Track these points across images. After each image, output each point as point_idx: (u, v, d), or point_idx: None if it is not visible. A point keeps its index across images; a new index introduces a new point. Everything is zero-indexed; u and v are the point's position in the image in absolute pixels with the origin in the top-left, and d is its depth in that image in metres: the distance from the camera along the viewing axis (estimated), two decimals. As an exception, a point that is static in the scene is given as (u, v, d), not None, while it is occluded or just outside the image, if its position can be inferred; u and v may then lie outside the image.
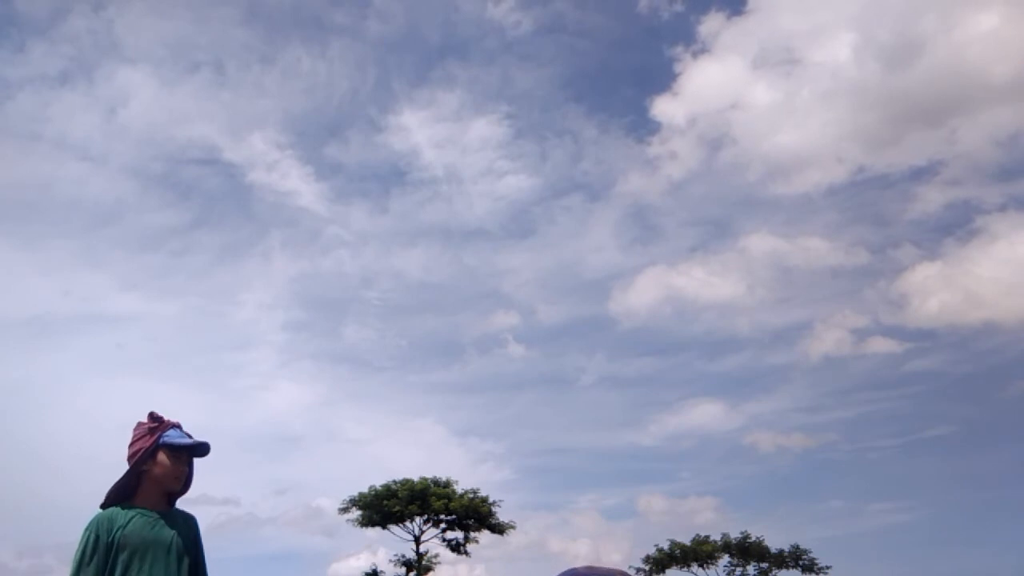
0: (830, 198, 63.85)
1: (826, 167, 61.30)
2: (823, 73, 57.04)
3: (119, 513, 2.76)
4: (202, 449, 2.95)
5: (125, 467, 2.84)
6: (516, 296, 66.37)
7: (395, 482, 31.49)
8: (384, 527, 31.58)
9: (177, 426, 2.95)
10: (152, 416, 2.92)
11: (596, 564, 1.44)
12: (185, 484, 2.95)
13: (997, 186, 61.10)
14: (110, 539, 2.68)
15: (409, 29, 65.25)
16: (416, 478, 31.72)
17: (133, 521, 2.74)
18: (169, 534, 2.78)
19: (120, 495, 2.82)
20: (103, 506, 2.81)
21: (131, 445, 2.88)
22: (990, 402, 58.79)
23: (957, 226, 68.85)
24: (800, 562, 33.16)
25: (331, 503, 46.33)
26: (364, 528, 31.65)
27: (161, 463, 2.83)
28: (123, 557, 2.66)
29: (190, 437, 2.94)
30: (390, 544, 42.28)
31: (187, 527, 2.90)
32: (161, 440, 2.85)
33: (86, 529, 2.70)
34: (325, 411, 63.83)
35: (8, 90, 56.48)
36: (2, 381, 53.98)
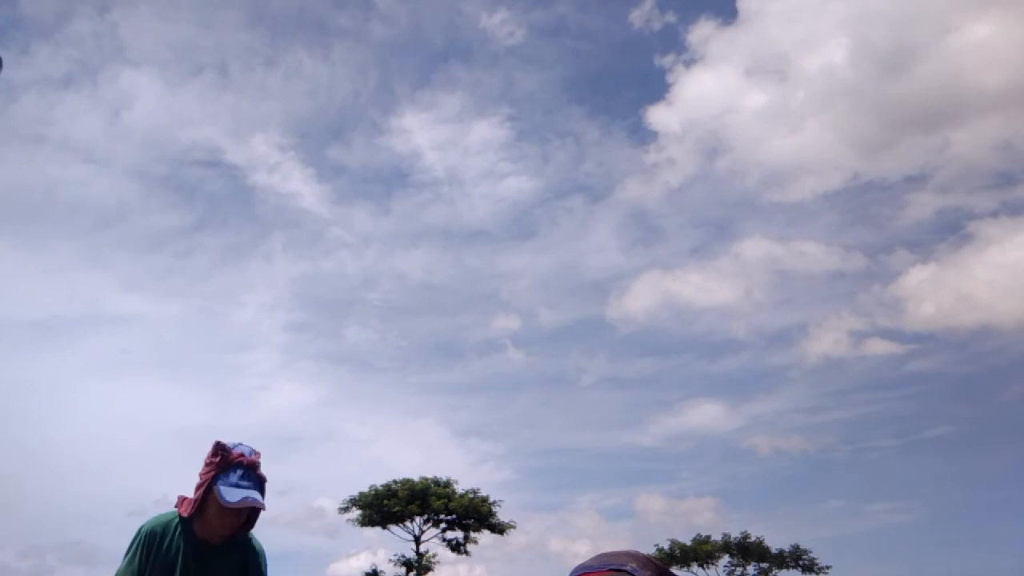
0: (825, 203, 64.16)
1: (821, 173, 61.84)
2: (817, 80, 57.20)
3: (172, 529, 2.63)
4: (251, 509, 2.61)
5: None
6: (517, 297, 66.39)
7: (395, 482, 31.52)
8: (384, 527, 31.62)
9: (247, 466, 2.58)
10: (216, 447, 2.59)
11: (607, 552, 1.43)
12: (247, 522, 2.69)
13: (990, 192, 61.48)
14: (154, 554, 2.59)
15: (412, 32, 65.37)
16: (416, 478, 31.80)
17: (179, 543, 2.61)
18: (217, 563, 2.63)
19: (192, 508, 2.60)
20: (181, 515, 2.64)
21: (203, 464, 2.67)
22: (989, 403, 58.82)
23: (951, 231, 69.00)
24: (800, 562, 33.19)
25: (332, 503, 46.37)
26: (364, 528, 31.74)
27: (210, 507, 2.55)
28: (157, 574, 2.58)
29: (256, 481, 2.60)
30: (390, 544, 42.35)
31: (237, 558, 2.69)
32: (215, 484, 2.52)
33: (140, 531, 2.61)
34: (326, 411, 63.85)
35: (12, 92, 56.42)
36: (5, 382, 54.13)
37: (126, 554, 2.62)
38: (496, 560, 47.48)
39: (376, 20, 65.00)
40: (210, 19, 64.59)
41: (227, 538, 2.66)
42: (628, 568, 1.28)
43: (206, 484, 2.55)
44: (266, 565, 2.80)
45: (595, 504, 52.97)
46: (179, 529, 2.64)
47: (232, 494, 2.50)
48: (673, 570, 1.42)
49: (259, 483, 2.61)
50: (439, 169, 65.76)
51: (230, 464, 2.56)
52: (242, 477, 2.55)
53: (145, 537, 2.63)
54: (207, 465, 2.57)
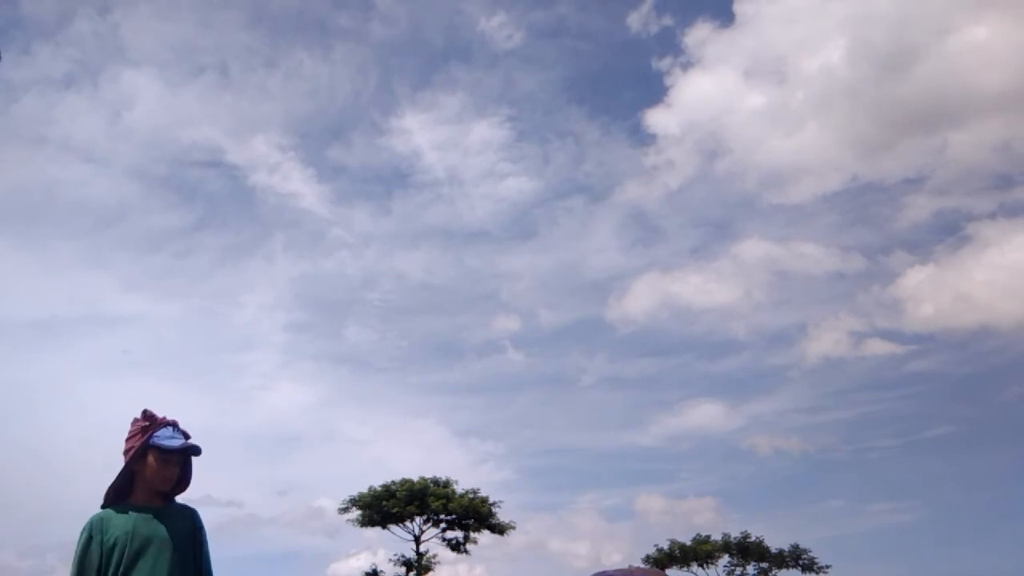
0: (824, 205, 64.38)
1: (820, 174, 62.20)
2: (815, 82, 57.17)
3: (113, 513, 2.77)
4: (192, 451, 2.90)
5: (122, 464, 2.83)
6: (517, 297, 66.39)
7: (394, 482, 31.50)
8: (384, 527, 31.59)
9: (172, 424, 2.89)
10: (145, 414, 2.86)
11: (633, 566, 1.43)
12: (179, 484, 2.92)
13: (988, 194, 61.54)
14: (105, 539, 2.69)
15: (412, 32, 65.37)
16: (415, 478, 31.78)
17: (127, 520, 2.74)
18: (165, 531, 2.76)
19: (117, 494, 2.83)
20: (103, 506, 2.82)
21: (126, 442, 2.86)
22: (989, 403, 58.85)
23: (949, 232, 68.79)
24: (800, 562, 33.13)
25: (332, 503, 46.29)
26: (364, 528, 31.71)
27: (150, 464, 2.81)
28: (118, 556, 2.66)
29: (184, 436, 2.89)
30: (390, 544, 42.23)
31: (185, 522, 2.86)
32: (151, 441, 2.80)
33: (82, 531, 2.72)
34: (326, 412, 63.88)
35: (13, 93, 56.47)
36: (6, 381, 54.14)
37: (77, 550, 2.72)
38: (496, 560, 47.52)
39: (376, 20, 65.07)
40: (210, 19, 64.66)
41: (168, 497, 2.90)
42: None
43: (139, 447, 2.80)
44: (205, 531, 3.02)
45: (595, 504, 53.01)
46: (121, 510, 2.81)
47: (172, 442, 2.82)
48: (673, 570, 1.41)
49: (186, 438, 2.92)
50: (439, 169, 65.82)
51: (159, 425, 2.87)
52: (174, 431, 2.88)
53: (93, 526, 2.75)
54: (135, 433, 2.84)
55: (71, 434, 54.68)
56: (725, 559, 33.97)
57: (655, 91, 74.26)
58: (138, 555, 2.68)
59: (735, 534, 33.86)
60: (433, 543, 31.81)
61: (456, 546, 31.56)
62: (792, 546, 33.38)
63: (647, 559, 34.35)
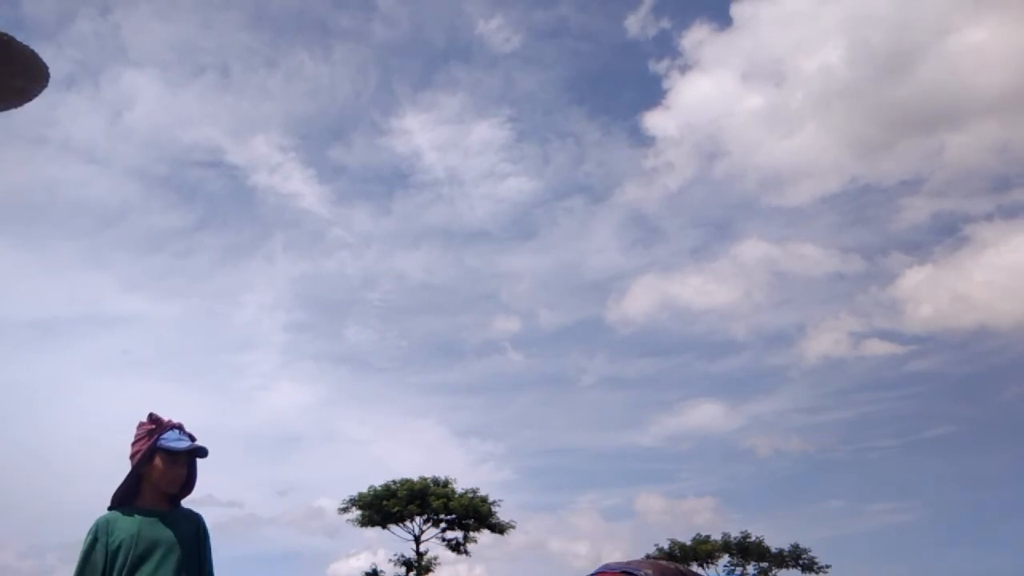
0: (823, 206, 64.57)
1: (819, 176, 62.51)
2: (813, 84, 57.15)
3: (119, 515, 2.77)
4: (200, 452, 2.92)
5: (128, 467, 2.85)
6: (517, 298, 66.34)
7: (394, 482, 31.53)
8: (384, 527, 31.63)
9: (178, 427, 2.91)
10: (151, 417, 2.89)
11: (630, 560, 1.46)
12: (186, 486, 2.93)
13: (986, 195, 61.85)
14: (110, 541, 2.70)
15: (412, 32, 65.31)
16: (415, 478, 31.83)
17: (132, 522, 2.75)
18: (170, 534, 2.78)
19: (123, 497, 2.84)
20: (109, 508, 2.83)
21: (132, 446, 2.89)
22: (989, 403, 58.93)
23: (947, 234, 68.85)
24: (800, 562, 33.16)
25: (332, 503, 46.27)
26: (364, 528, 31.73)
27: (157, 467, 2.82)
28: (122, 559, 2.68)
29: (190, 439, 2.91)
30: (390, 544, 42.25)
31: (190, 526, 2.88)
32: (158, 443, 2.82)
33: (88, 532, 2.73)
34: (326, 412, 63.84)
35: (12, 92, 56.31)
36: (6, 381, 54.14)
37: (82, 551, 2.72)
38: (496, 560, 47.50)
39: (377, 21, 64.99)
40: (211, 20, 64.54)
41: (174, 501, 2.93)
42: (640, 573, 1.30)
43: (145, 450, 2.82)
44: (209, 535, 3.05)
45: (595, 504, 53.00)
46: (127, 512, 2.83)
47: (179, 444, 2.85)
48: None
49: (192, 440, 2.95)
50: (439, 170, 65.73)
51: (165, 428, 2.89)
52: (180, 433, 2.91)
53: (99, 527, 2.76)
54: (142, 437, 2.87)
55: (71, 434, 54.76)
56: (725, 559, 34.02)
57: (654, 93, 74.53)
58: (142, 558, 2.70)
59: (735, 534, 33.92)
60: (433, 543, 31.89)
61: (456, 546, 31.60)
62: (792, 546, 33.43)
63: (647, 559, 34.33)
